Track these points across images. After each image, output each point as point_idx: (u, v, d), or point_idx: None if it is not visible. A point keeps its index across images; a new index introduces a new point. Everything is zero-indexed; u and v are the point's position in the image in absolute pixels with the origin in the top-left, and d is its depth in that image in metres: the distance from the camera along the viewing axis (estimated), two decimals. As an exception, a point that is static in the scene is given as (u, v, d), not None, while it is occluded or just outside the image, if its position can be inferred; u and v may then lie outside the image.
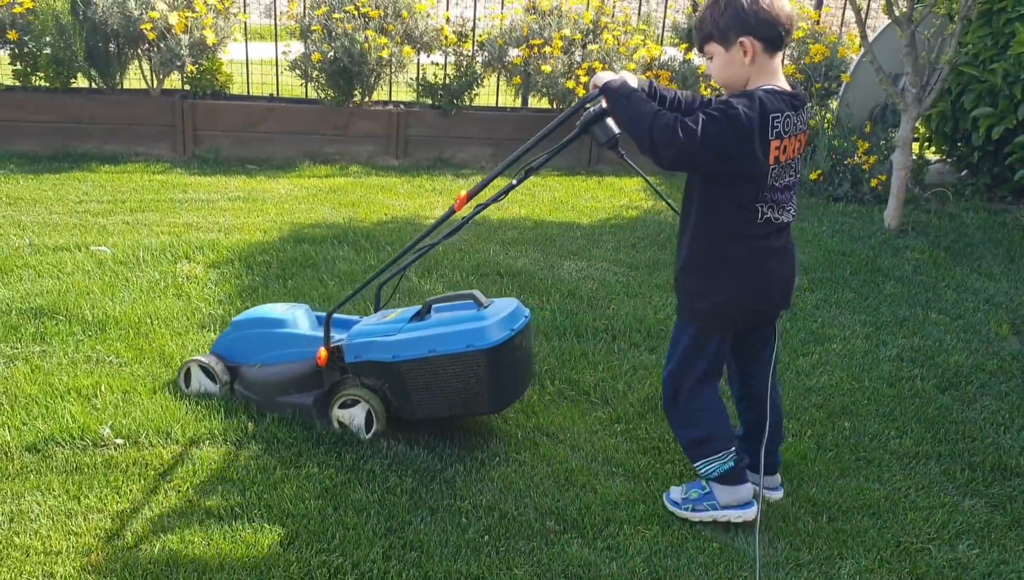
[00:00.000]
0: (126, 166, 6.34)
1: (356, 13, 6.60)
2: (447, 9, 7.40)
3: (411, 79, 7.15)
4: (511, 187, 2.98)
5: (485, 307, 3.16)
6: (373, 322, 3.33)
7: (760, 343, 2.89)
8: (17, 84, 6.56)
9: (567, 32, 6.88)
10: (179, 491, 2.88)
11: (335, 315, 3.32)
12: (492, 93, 7.43)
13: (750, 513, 2.85)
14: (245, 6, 7.16)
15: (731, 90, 2.65)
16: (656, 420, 3.44)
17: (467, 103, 7.15)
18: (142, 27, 6.11)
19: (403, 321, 3.22)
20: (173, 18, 6.13)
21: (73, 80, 6.58)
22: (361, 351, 3.20)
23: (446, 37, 6.90)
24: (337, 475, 2.99)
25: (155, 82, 6.60)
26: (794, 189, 2.71)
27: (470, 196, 2.99)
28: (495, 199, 2.99)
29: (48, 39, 6.21)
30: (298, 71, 6.81)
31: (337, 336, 3.31)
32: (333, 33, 6.55)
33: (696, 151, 2.49)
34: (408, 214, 5.74)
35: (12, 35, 6.16)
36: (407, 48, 6.67)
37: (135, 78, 6.84)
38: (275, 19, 7.37)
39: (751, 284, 2.72)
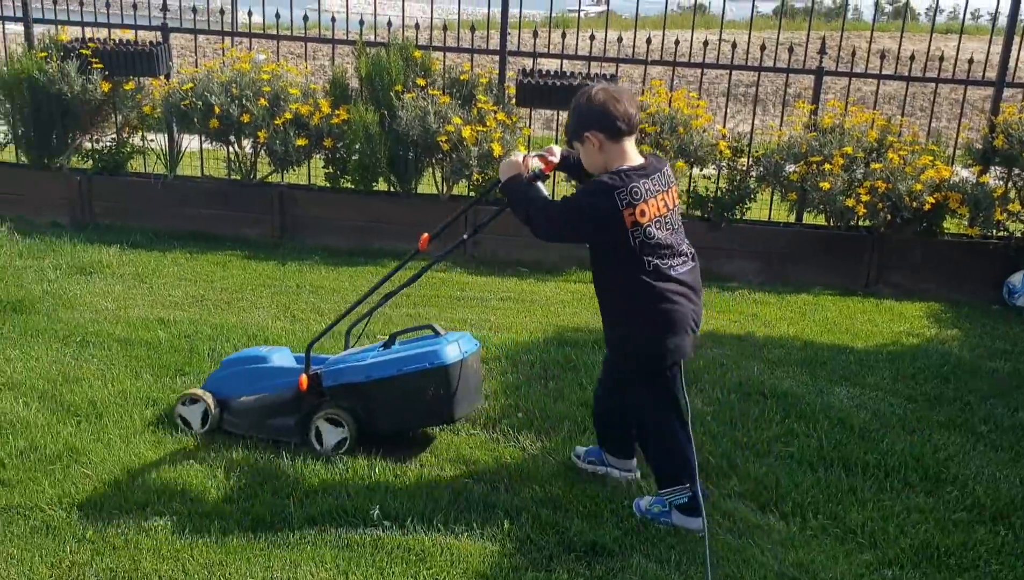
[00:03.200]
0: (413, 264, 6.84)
1: (634, 128, 6.82)
2: (724, 124, 7.47)
3: (682, 191, 7.23)
4: (462, 241, 3.71)
5: (442, 335, 3.81)
6: (345, 355, 3.94)
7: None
8: (328, 186, 7.34)
9: (849, 150, 6.70)
10: None
11: (312, 355, 3.88)
12: (764, 208, 7.34)
13: (696, 526, 3.32)
14: (531, 120, 7.62)
15: (597, 173, 3.27)
16: (932, 571, 3.15)
17: (738, 217, 7.11)
18: (438, 139, 6.66)
19: (373, 350, 3.87)
20: (466, 132, 6.64)
21: (375, 184, 7.26)
22: (338, 376, 3.80)
23: (721, 152, 6.95)
24: (586, 585, 2.99)
25: (445, 188, 7.14)
26: (676, 236, 3.26)
27: (431, 238, 3.67)
28: (449, 251, 3.75)
29: (358, 147, 6.92)
30: (573, 181, 7.10)
31: (315, 367, 3.87)
32: (610, 146, 6.79)
33: (558, 234, 3.37)
34: (671, 325, 5.74)
35: (328, 143, 6.94)
36: (680, 162, 6.78)
37: (428, 184, 7.43)
38: (556, 133, 7.77)
39: (664, 323, 3.21)
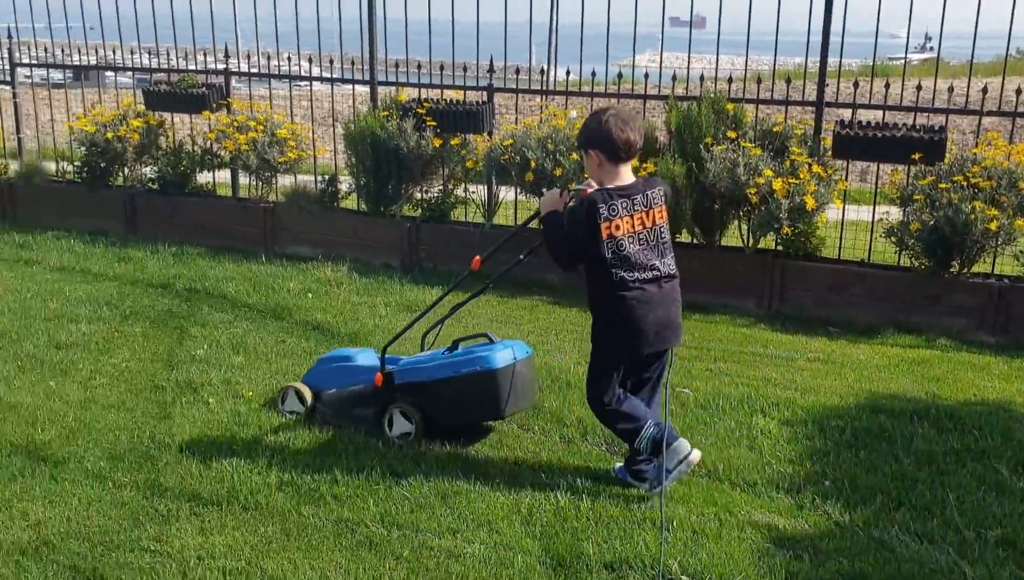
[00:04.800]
0: (713, 316, 6.77)
1: (965, 184, 6.31)
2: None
3: (1020, 252, 6.56)
4: (518, 261, 4.25)
5: (496, 342, 4.38)
6: (415, 358, 4.57)
7: (649, 373, 4.01)
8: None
9: None
10: (734, 643, 2.91)
11: (388, 355, 4.49)
12: (1123, 273, 6.47)
13: (695, 456, 3.86)
14: (847, 173, 7.30)
15: (597, 183, 3.83)
16: None
17: (1091, 282, 6.33)
18: (747, 191, 6.57)
19: (438, 354, 4.47)
20: (777, 184, 6.49)
21: (678, 235, 7.28)
22: (406, 375, 4.43)
23: (1069, 210, 6.24)
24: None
25: (750, 241, 7.01)
26: (651, 252, 3.81)
27: (483, 260, 4.21)
28: (507, 270, 4.39)
29: (664, 199, 6.99)
30: (893, 238, 6.69)
31: (389, 366, 4.46)
32: (936, 203, 6.33)
33: (561, 252, 3.87)
34: (1002, 397, 5.20)
35: (636, 195, 7.07)
36: (1020, 220, 6.16)
37: (731, 237, 7.34)
38: (875, 186, 7.39)
39: (621, 322, 3.80)
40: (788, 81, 7.22)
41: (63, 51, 9.67)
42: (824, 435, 4.58)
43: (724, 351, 5.95)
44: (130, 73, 9.95)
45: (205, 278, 7.12)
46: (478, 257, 4.25)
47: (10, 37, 9.27)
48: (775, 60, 7.24)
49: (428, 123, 7.64)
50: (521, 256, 4.24)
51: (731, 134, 6.91)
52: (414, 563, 3.39)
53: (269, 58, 8.61)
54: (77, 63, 9.69)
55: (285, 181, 8.54)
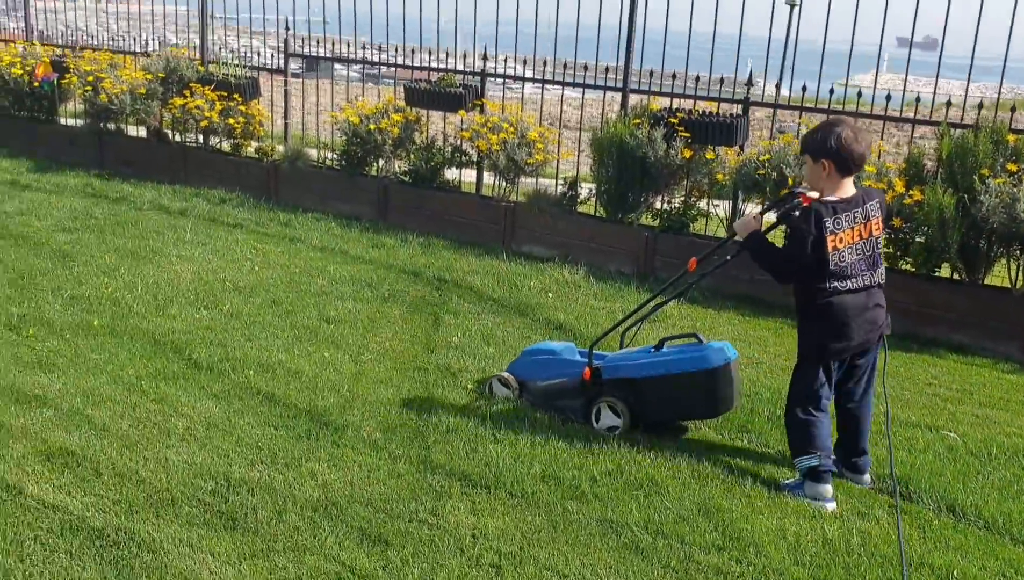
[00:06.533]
0: (973, 359, 6.36)
1: None
2: None
3: None
4: (725, 262, 4.29)
5: (705, 343, 4.42)
6: (621, 354, 4.70)
7: (857, 373, 4.08)
8: (886, 265, 7.11)
9: None
10: None
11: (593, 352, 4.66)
12: None
13: (828, 507, 3.90)
14: None
15: (818, 192, 3.92)
16: None
17: None
18: (1027, 228, 6.14)
19: (645, 352, 4.61)
20: (1065, 222, 6.02)
21: (937, 269, 6.89)
22: (616, 371, 4.57)
23: None
24: None
25: (1020, 282, 6.53)
26: (864, 262, 3.93)
27: (699, 261, 4.35)
28: (714, 269, 4.37)
29: (925, 229, 6.64)
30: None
31: (596, 362, 4.62)
32: None
33: (794, 269, 3.96)
34: None
35: (896, 222, 6.75)
36: None
37: (998, 276, 6.87)
38: None
39: (829, 329, 3.91)
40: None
41: (322, 44, 10.31)
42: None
43: (989, 397, 5.58)
44: (356, 66, 10.45)
45: (452, 269, 7.41)
46: (694, 258, 4.41)
47: (287, 29, 10.01)
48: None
49: (680, 133, 7.61)
50: (728, 256, 4.30)
51: (1011, 167, 6.46)
52: (682, 575, 3.39)
53: (525, 63, 8.85)
54: (341, 56, 10.30)
55: (526, 182, 8.74)
